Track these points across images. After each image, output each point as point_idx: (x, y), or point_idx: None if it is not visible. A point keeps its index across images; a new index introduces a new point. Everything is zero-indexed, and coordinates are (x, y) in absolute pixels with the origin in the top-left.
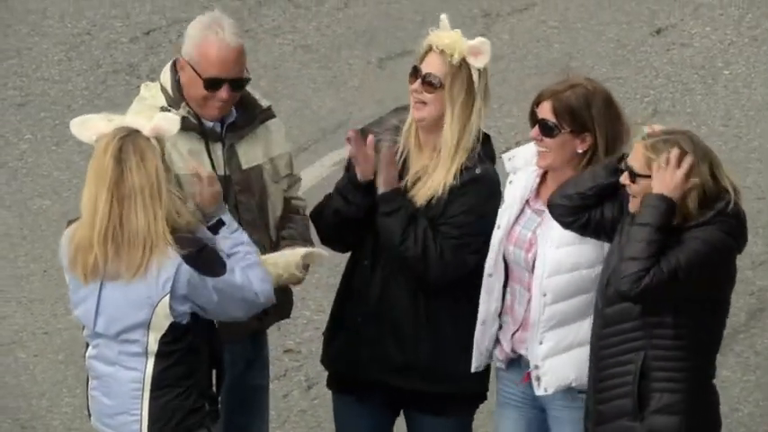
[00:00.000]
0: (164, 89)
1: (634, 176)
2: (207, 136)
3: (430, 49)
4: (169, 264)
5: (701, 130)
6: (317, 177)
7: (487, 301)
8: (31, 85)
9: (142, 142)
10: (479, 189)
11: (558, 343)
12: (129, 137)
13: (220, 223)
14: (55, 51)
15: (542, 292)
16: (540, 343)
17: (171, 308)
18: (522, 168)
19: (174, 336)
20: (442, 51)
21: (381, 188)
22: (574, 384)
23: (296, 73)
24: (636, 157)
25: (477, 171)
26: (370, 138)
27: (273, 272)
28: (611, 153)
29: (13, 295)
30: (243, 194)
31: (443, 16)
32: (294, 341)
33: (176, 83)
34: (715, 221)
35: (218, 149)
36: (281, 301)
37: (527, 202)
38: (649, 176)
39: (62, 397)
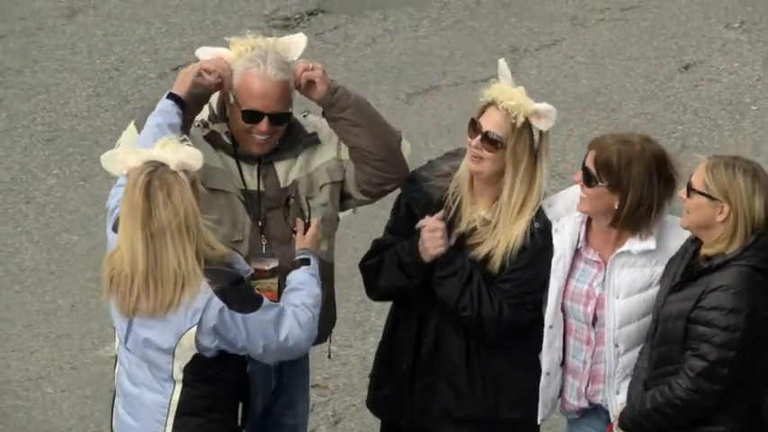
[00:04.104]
0: (210, 105)
1: (690, 191)
2: (239, 157)
3: (491, 103)
4: (200, 297)
5: None
6: (344, 212)
7: (550, 353)
8: (59, 120)
9: (169, 177)
10: (535, 242)
11: None
12: (156, 172)
13: (306, 261)
14: (83, 87)
15: (614, 344)
16: (618, 393)
17: (196, 340)
18: (564, 215)
19: (198, 367)
20: (505, 110)
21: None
22: None
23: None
24: (697, 173)
25: (537, 225)
26: (442, 224)
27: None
28: (638, 216)
29: (40, 330)
30: (272, 211)
31: (502, 62)
32: (321, 376)
33: (221, 102)
34: (744, 256)
35: (252, 168)
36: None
37: (577, 251)
38: (703, 194)
39: None
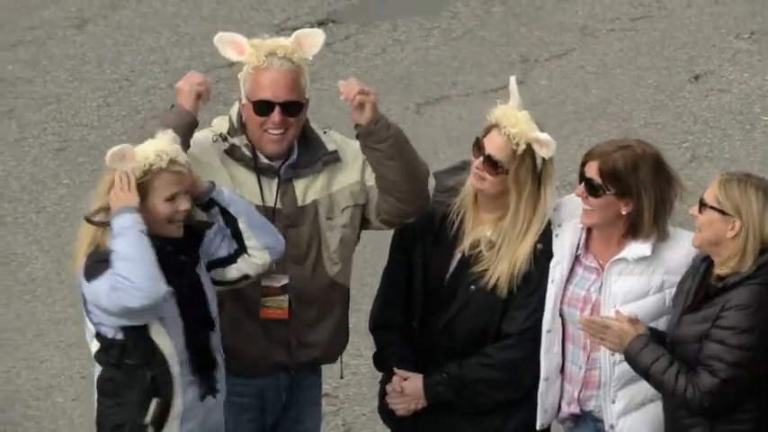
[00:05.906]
0: (230, 119)
1: (702, 207)
2: (260, 171)
3: (495, 125)
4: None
5: None
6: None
7: (548, 358)
8: (69, 130)
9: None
10: (539, 264)
11: (631, 400)
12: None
13: (213, 203)
14: (94, 97)
15: (611, 351)
16: (614, 402)
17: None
18: (566, 221)
19: (103, 345)
20: (507, 135)
21: None
22: None
23: (334, 119)
24: (709, 190)
25: (540, 246)
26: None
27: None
28: (658, 216)
29: (51, 339)
30: (290, 229)
31: (512, 80)
32: (331, 386)
33: (239, 115)
34: (758, 275)
35: (272, 184)
36: (320, 342)
37: (576, 258)
38: (715, 209)
39: None
